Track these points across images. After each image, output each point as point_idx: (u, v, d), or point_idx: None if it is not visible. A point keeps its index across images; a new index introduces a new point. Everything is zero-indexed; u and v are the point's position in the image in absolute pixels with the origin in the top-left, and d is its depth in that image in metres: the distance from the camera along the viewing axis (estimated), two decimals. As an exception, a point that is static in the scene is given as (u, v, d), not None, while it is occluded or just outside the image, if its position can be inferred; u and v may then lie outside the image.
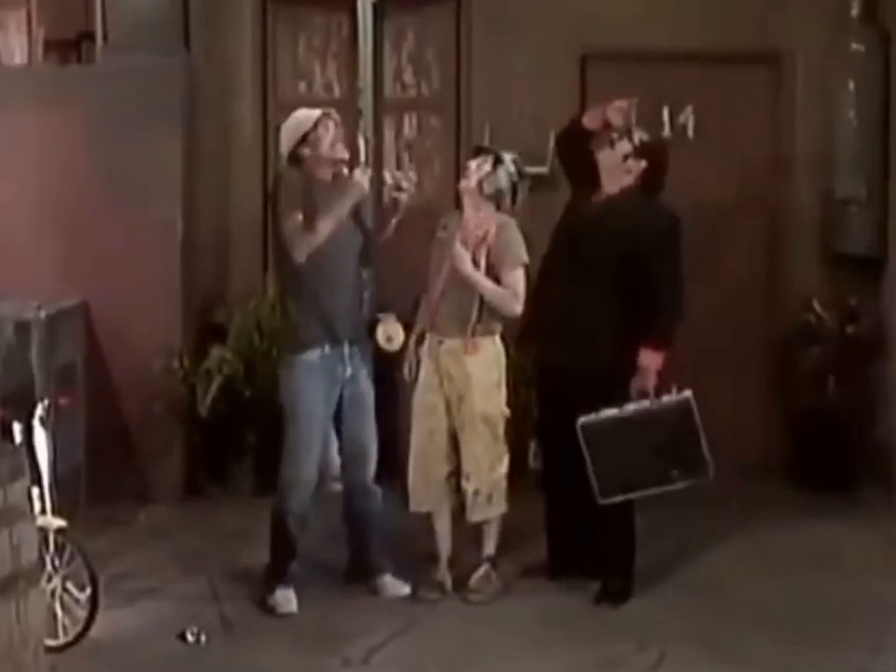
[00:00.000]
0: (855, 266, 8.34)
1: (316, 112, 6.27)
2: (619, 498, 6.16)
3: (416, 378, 6.45)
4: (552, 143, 8.02)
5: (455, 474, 6.42)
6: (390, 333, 6.52)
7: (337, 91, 8.63)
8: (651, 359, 6.17)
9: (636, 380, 6.16)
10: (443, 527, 6.47)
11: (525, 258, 6.35)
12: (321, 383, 6.18)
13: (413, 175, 6.31)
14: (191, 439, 7.93)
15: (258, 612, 6.19)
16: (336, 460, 6.56)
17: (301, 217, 6.06)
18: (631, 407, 6.14)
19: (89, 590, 5.62)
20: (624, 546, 6.37)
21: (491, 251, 6.29)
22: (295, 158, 6.25)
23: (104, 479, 7.56)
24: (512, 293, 6.30)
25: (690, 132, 8.49)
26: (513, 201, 6.38)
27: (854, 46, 8.22)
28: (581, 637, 5.95)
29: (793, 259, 8.51)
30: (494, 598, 6.36)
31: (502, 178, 6.33)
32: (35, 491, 5.40)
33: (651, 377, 6.17)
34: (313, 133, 6.19)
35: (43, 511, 5.55)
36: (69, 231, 7.70)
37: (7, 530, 4.68)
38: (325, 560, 6.60)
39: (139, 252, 7.70)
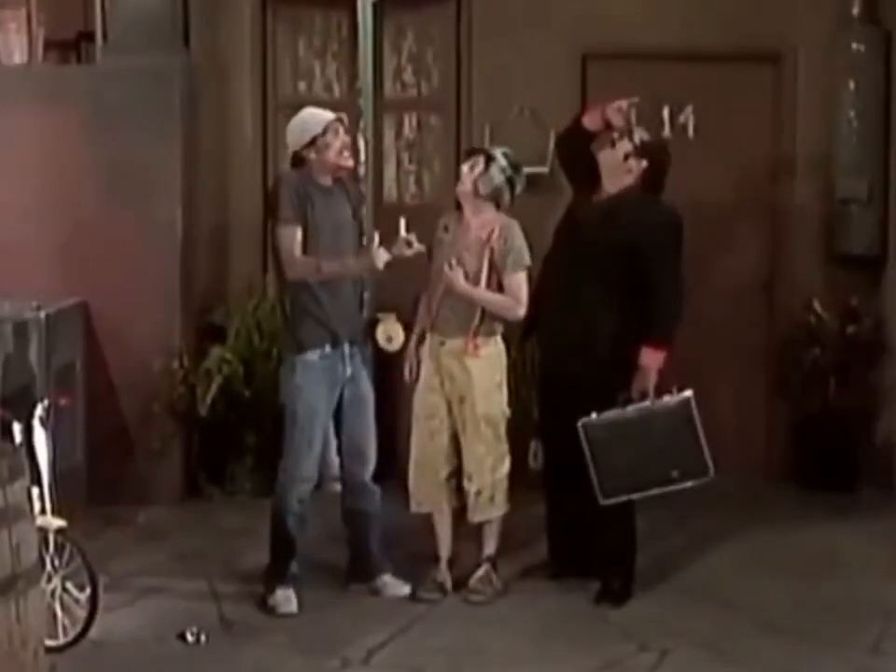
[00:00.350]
0: (856, 266, 8.34)
1: (327, 116, 6.23)
2: (621, 499, 6.16)
3: (417, 379, 6.44)
4: (552, 143, 8.04)
5: (456, 475, 6.41)
6: (390, 333, 6.51)
7: (337, 91, 8.63)
8: (651, 359, 6.16)
9: (636, 380, 6.16)
10: (444, 528, 6.47)
11: (527, 260, 6.34)
12: (321, 383, 6.18)
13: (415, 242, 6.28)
14: (191, 439, 7.93)
15: (258, 612, 6.19)
16: (335, 460, 6.56)
17: (300, 232, 6.07)
18: (632, 407, 6.14)
19: (89, 590, 5.62)
20: (625, 546, 6.37)
21: (494, 253, 6.28)
22: (299, 159, 6.23)
23: (104, 479, 7.56)
24: (514, 299, 6.29)
25: (690, 131, 8.48)
26: (512, 195, 6.37)
27: (855, 45, 8.22)
28: (582, 638, 5.95)
29: (794, 260, 8.50)
30: (494, 599, 6.35)
31: (496, 176, 6.32)
32: (35, 491, 5.40)
33: (652, 377, 6.17)
34: (321, 139, 6.16)
35: (43, 511, 5.55)
36: (69, 231, 7.69)
37: (7, 530, 4.67)
38: (325, 560, 6.60)
39: (139, 252, 7.70)
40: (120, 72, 7.70)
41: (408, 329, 6.58)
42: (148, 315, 7.71)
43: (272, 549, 6.31)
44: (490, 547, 6.44)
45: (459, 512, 6.46)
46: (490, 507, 6.37)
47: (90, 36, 8.14)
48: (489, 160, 6.33)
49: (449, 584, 6.41)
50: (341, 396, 6.27)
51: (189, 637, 5.85)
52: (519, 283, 6.30)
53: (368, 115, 8.13)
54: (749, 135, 8.46)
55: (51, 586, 5.56)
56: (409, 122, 8.67)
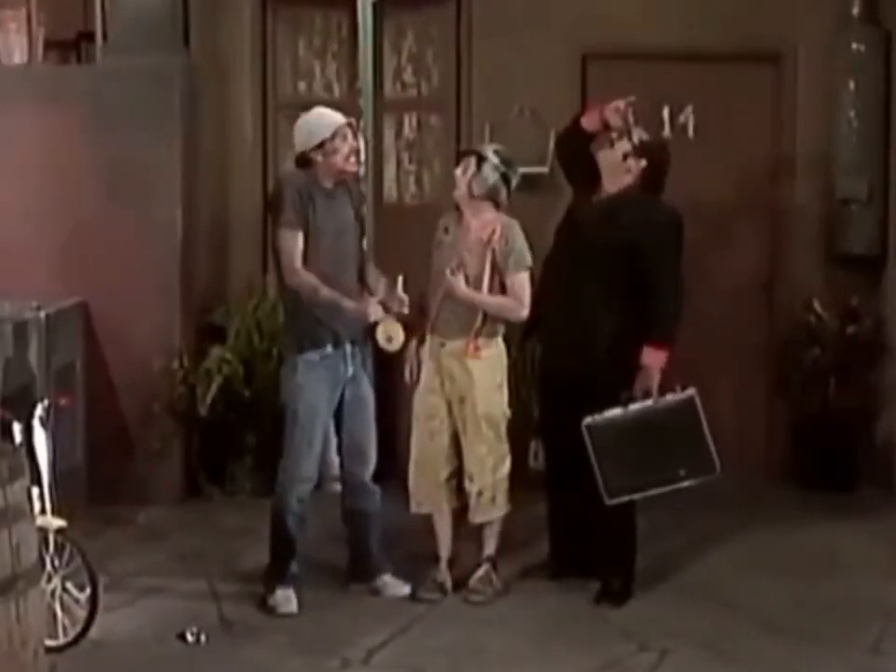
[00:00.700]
0: (856, 266, 8.34)
1: (337, 119, 6.21)
2: (626, 499, 6.16)
3: (417, 381, 6.44)
4: (552, 143, 8.04)
5: (456, 475, 6.41)
6: (390, 333, 6.50)
7: (337, 91, 8.63)
8: (653, 358, 6.16)
9: (639, 379, 6.16)
10: (444, 528, 6.47)
11: (529, 260, 6.34)
12: (323, 382, 6.18)
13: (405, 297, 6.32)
14: (191, 439, 7.93)
15: (258, 612, 6.19)
16: (336, 459, 6.56)
17: (301, 236, 6.08)
18: (636, 406, 6.14)
19: (88, 590, 5.62)
20: (625, 546, 6.37)
21: (496, 254, 6.28)
22: (304, 160, 6.23)
23: (104, 479, 7.56)
24: (516, 300, 6.29)
25: (690, 131, 8.48)
26: (508, 191, 6.37)
27: (855, 45, 8.22)
28: (582, 638, 5.95)
29: (794, 260, 8.50)
30: (494, 599, 6.35)
31: (489, 175, 6.31)
32: (35, 491, 5.39)
33: (655, 376, 6.16)
34: (329, 143, 6.14)
35: (43, 510, 5.55)
36: (69, 231, 7.69)
37: (7, 530, 4.67)
38: (325, 560, 6.60)
39: (139, 252, 7.69)
40: (120, 72, 7.70)
41: (408, 329, 6.57)
42: (148, 315, 7.71)
43: (272, 549, 6.31)
44: (490, 547, 6.44)
45: (459, 513, 6.46)
46: (491, 507, 6.37)
47: (90, 36, 8.14)
48: (481, 160, 6.33)
49: (449, 584, 6.41)
50: (342, 395, 6.27)
51: (189, 637, 5.85)
52: (521, 283, 6.30)
53: (368, 115, 8.12)
54: (749, 135, 8.46)
55: (51, 586, 5.56)
56: (409, 122, 8.67)
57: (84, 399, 7.60)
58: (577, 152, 6.51)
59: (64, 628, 5.62)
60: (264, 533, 6.37)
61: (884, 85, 8.24)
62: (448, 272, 6.26)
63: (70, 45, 8.47)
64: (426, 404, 6.41)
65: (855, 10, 8.25)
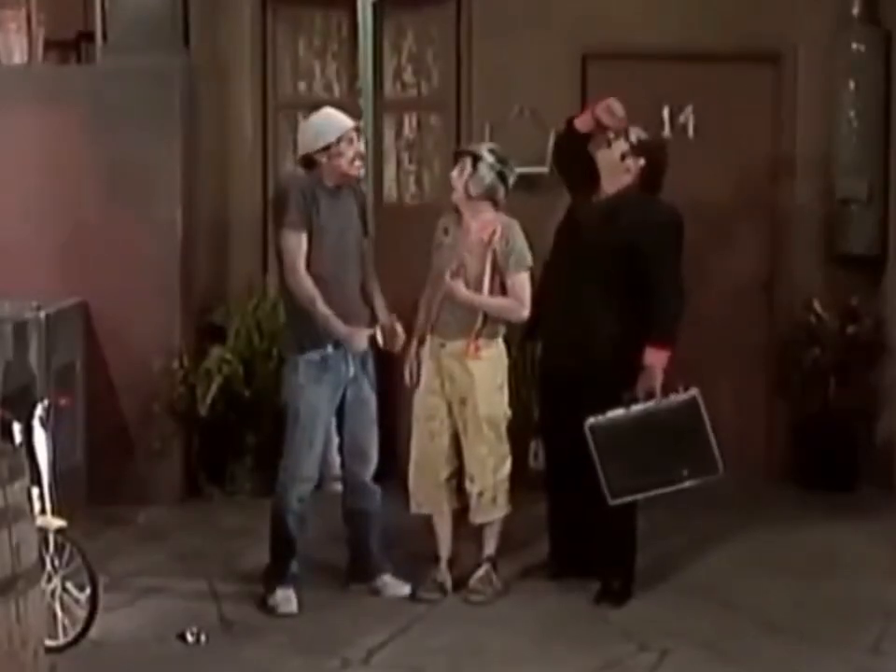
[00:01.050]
0: (856, 266, 8.34)
1: (344, 124, 6.22)
2: (629, 499, 6.16)
3: (417, 383, 6.44)
4: (551, 143, 8.03)
5: (456, 475, 6.41)
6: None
7: (337, 91, 8.63)
8: (655, 358, 6.16)
9: (642, 379, 6.15)
10: (444, 529, 6.47)
11: (529, 261, 6.34)
12: (324, 382, 6.18)
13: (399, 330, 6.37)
14: (191, 439, 7.93)
15: (258, 612, 6.19)
16: (336, 459, 6.56)
17: (305, 237, 6.08)
18: (638, 407, 6.13)
19: (88, 590, 5.62)
20: (625, 546, 6.36)
21: (496, 255, 6.28)
22: (309, 161, 6.24)
23: (104, 479, 7.56)
24: (517, 300, 6.29)
25: (690, 131, 8.48)
26: (506, 189, 6.36)
27: (855, 45, 8.22)
28: (582, 638, 5.95)
29: (794, 260, 8.50)
30: (494, 599, 6.35)
31: (485, 175, 6.30)
32: (35, 491, 5.39)
33: (658, 376, 6.16)
34: (335, 146, 6.15)
35: (43, 511, 5.55)
36: (69, 231, 7.69)
37: (7, 530, 4.67)
38: (325, 560, 6.60)
39: (139, 252, 7.69)
40: (120, 72, 7.70)
41: (408, 329, 6.57)
42: (148, 315, 7.70)
43: (272, 548, 6.31)
44: (490, 547, 6.44)
45: (459, 513, 6.46)
46: (492, 508, 6.37)
47: (90, 36, 8.14)
48: (476, 160, 6.32)
49: (449, 584, 6.40)
50: (343, 395, 6.28)
51: (189, 637, 5.85)
52: (522, 283, 6.30)
53: (368, 115, 8.13)
54: (749, 135, 8.46)
55: (51, 586, 5.56)
56: (409, 122, 8.67)
57: (84, 399, 7.60)
58: (574, 155, 6.50)
59: (64, 628, 5.62)
60: (264, 533, 6.37)
61: (884, 85, 8.24)
62: (447, 275, 6.26)
63: (70, 45, 8.47)
64: (426, 405, 6.40)
65: (855, 10, 8.25)
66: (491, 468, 6.34)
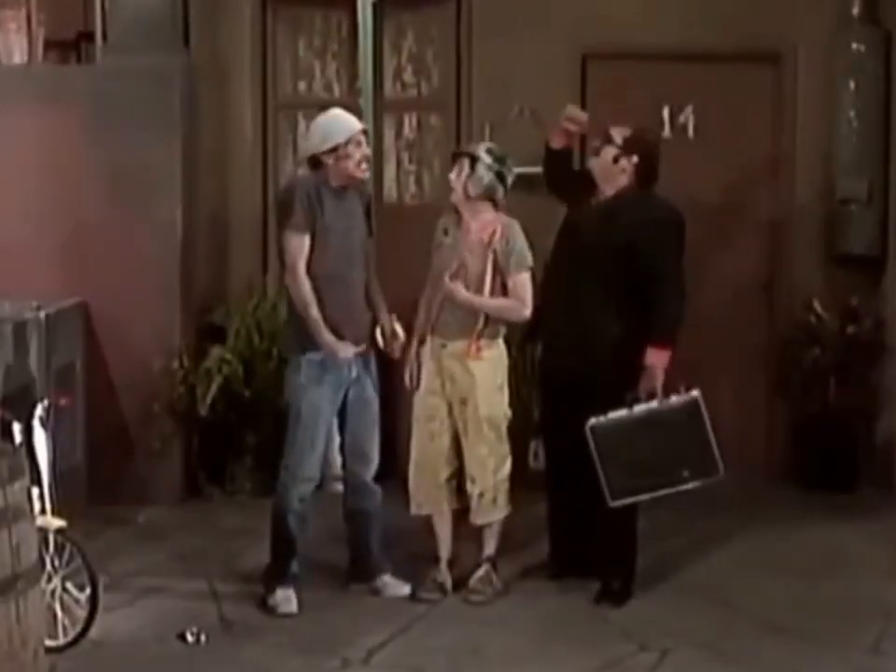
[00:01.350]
0: (856, 266, 8.34)
1: (352, 126, 6.23)
2: (629, 501, 6.15)
3: (418, 385, 6.44)
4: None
5: (456, 476, 6.41)
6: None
7: (337, 91, 8.63)
8: (656, 358, 6.15)
9: (643, 380, 6.14)
10: (444, 529, 6.47)
11: (529, 260, 6.33)
12: (326, 383, 6.18)
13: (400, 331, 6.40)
14: (191, 439, 7.93)
15: (258, 612, 6.19)
16: (338, 459, 6.56)
17: (307, 240, 6.10)
18: (639, 408, 6.13)
19: (88, 590, 5.62)
20: (626, 546, 6.36)
21: (497, 255, 6.28)
22: (315, 161, 6.24)
23: (104, 479, 7.56)
24: (518, 300, 6.29)
25: (690, 131, 8.48)
26: (504, 188, 6.36)
27: (855, 45, 8.22)
28: (582, 638, 5.95)
29: (794, 260, 8.50)
30: (494, 599, 6.35)
31: (483, 175, 6.30)
32: (35, 491, 5.39)
33: (659, 376, 6.15)
34: (343, 149, 6.16)
35: (43, 510, 5.55)
36: (69, 231, 7.69)
37: (7, 530, 4.67)
38: (325, 560, 6.60)
39: (139, 252, 7.69)
40: (120, 72, 7.70)
41: (408, 330, 6.57)
42: (148, 315, 7.70)
43: (272, 548, 6.31)
44: (490, 547, 6.44)
45: (459, 513, 6.46)
46: (493, 509, 6.37)
47: (90, 36, 8.14)
48: (473, 160, 6.32)
49: (449, 584, 6.40)
50: (345, 396, 6.28)
51: (189, 637, 5.85)
52: (523, 283, 6.30)
53: (368, 115, 8.12)
54: (749, 135, 8.46)
55: (51, 586, 5.56)
56: (409, 122, 8.67)
57: (84, 399, 7.60)
58: (561, 173, 6.54)
59: (64, 628, 5.62)
60: (264, 533, 6.37)
61: (884, 85, 8.24)
62: (446, 277, 6.26)
63: (70, 45, 8.47)
64: (426, 405, 6.40)
65: (855, 10, 8.25)
66: (491, 468, 6.34)
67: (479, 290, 6.29)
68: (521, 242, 6.33)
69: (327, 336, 6.10)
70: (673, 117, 8.46)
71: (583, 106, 8.17)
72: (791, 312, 8.40)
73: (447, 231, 6.42)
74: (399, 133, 8.64)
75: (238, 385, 7.77)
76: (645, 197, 6.34)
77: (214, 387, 7.71)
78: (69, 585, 5.63)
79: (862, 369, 8.23)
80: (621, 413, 6.12)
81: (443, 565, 6.46)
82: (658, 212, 6.32)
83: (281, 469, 6.28)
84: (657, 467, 6.13)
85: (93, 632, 5.65)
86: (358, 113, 7.91)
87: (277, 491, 6.29)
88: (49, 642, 5.30)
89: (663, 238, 6.25)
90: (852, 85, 8.21)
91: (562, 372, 6.38)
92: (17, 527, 4.72)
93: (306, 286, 6.11)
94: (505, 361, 6.42)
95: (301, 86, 8.64)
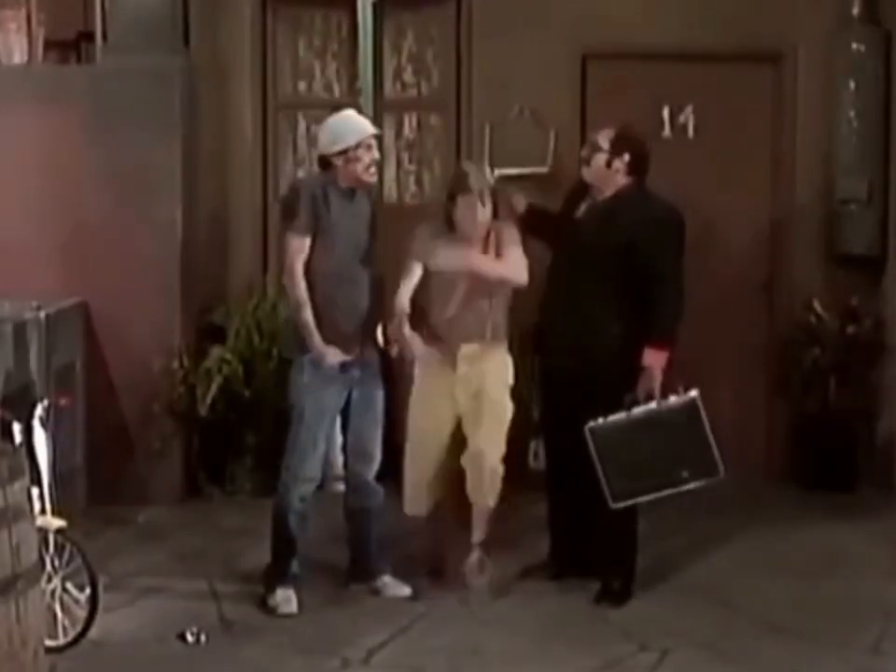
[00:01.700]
0: (856, 266, 8.34)
1: (363, 129, 6.24)
2: (630, 502, 6.15)
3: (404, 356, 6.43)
4: (552, 143, 8.06)
5: (452, 481, 6.37)
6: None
7: (337, 91, 8.63)
8: (654, 359, 6.15)
9: (642, 381, 6.14)
10: (440, 531, 6.46)
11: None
12: (330, 383, 6.17)
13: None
14: (191, 439, 7.93)
15: (258, 612, 6.19)
16: (339, 459, 6.56)
17: (308, 243, 6.11)
18: (638, 409, 6.13)
19: (88, 590, 5.62)
20: (626, 546, 6.36)
21: (495, 243, 6.32)
22: (325, 162, 6.25)
23: (103, 479, 7.56)
24: (516, 265, 6.29)
25: (690, 131, 8.48)
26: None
27: (855, 45, 8.22)
28: (582, 638, 5.95)
29: (794, 260, 8.50)
30: (493, 584, 6.31)
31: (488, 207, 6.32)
32: (35, 491, 5.40)
33: (657, 377, 6.15)
34: (353, 151, 6.17)
35: (43, 511, 5.55)
36: (69, 231, 7.69)
37: (7, 530, 4.68)
38: (325, 560, 6.60)
39: (139, 252, 7.69)
40: (120, 72, 7.70)
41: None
42: (148, 315, 7.70)
43: (273, 548, 6.31)
44: (479, 534, 6.40)
45: (455, 513, 6.44)
46: (494, 490, 6.32)
47: (90, 36, 8.14)
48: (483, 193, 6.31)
49: (450, 585, 6.40)
50: (349, 395, 6.28)
51: (189, 637, 5.85)
52: (518, 254, 6.31)
53: (368, 115, 8.10)
54: (749, 135, 8.46)
55: (51, 586, 5.56)
56: (409, 122, 8.67)
57: (84, 399, 7.60)
58: (541, 226, 6.55)
59: (64, 628, 5.62)
60: (264, 533, 6.37)
61: (884, 85, 8.24)
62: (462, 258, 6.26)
63: (70, 45, 8.48)
64: (429, 414, 6.37)
65: (855, 10, 8.25)
66: (497, 455, 6.30)
67: (488, 295, 6.30)
68: (512, 231, 6.34)
69: (316, 340, 6.11)
70: (673, 117, 8.46)
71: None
72: (791, 312, 8.40)
73: (439, 239, 6.39)
74: (399, 133, 8.64)
75: (238, 385, 7.77)
76: (645, 197, 6.34)
77: (214, 387, 7.71)
78: (69, 585, 5.63)
79: (862, 369, 8.23)
80: (619, 414, 6.11)
81: (443, 566, 6.44)
82: (658, 212, 6.32)
83: (282, 469, 6.28)
84: (657, 468, 6.13)
85: (93, 632, 5.65)
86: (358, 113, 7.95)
87: (278, 490, 6.29)
88: (49, 642, 5.30)
89: (662, 238, 6.25)
90: (852, 85, 8.21)
91: (562, 372, 6.38)
92: (17, 527, 4.72)
93: (301, 287, 6.12)
94: (511, 368, 6.44)
95: (301, 86, 8.64)
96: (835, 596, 6.44)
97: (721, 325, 8.31)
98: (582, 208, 6.43)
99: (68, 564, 5.62)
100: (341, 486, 6.60)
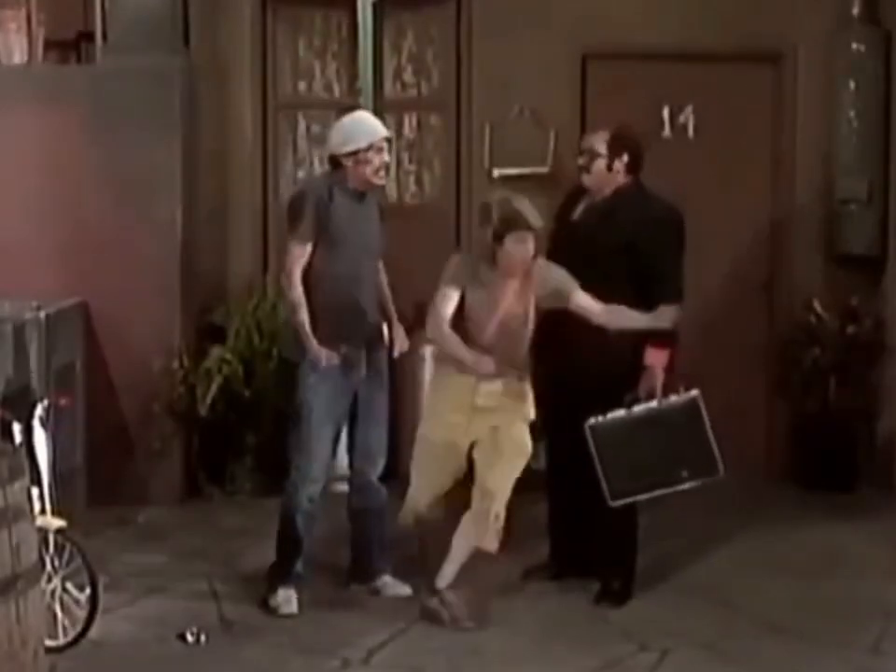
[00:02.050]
0: (856, 266, 8.35)
1: (375, 132, 6.21)
2: (629, 500, 6.14)
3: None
4: (552, 142, 8.07)
5: (457, 498, 6.24)
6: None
7: (337, 91, 8.64)
8: (655, 358, 6.15)
9: (643, 380, 6.14)
10: (443, 543, 6.40)
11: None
12: (336, 383, 6.17)
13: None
14: (191, 439, 7.93)
15: (258, 612, 6.18)
16: (343, 459, 6.56)
17: (310, 248, 6.11)
18: (639, 408, 6.13)
19: (88, 590, 5.61)
20: (626, 546, 6.36)
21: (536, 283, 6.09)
22: (335, 161, 6.25)
23: (103, 479, 7.56)
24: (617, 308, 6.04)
25: (690, 131, 8.49)
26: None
27: (855, 45, 8.22)
28: (582, 638, 5.95)
29: (794, 260, 8.50)
30: (470, 611, 6.04)
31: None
32: (35, 491, 5.40)
33: (658, 376, 6.15)
34: (363, 153, 6.15)
35: (43, 511, 5.55)
36: (69, 231, 7.69)
37: (7, 530, 4.67)
38: (326, 560, 6.60)
39: (139, 252, 7.69)
40: (120, 72, 7.70)
41: (408, 331, 6.57)
42: (148, 315, 7.70)
43: (278, 547, 6.30)
44: (450, 575, 6.06)
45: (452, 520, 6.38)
46: (494, 534, 6.06)
47: (90, 36, 8.14)
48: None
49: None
50: (355, 396, 6.28)
51: (189, 637, 5.84)
52: (587, 300, 6.05)
53: (370, 116, 8.13)
54: (749, 135, 8.46)
55: (51, 586, 5.55)
56: (409, 122, 8.67)
57: (84, 399, 7.60)
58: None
59: (64, 628, 5.61)
60: (264, 533, 6.38)
61: (884, 85, 8.24)
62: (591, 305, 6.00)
63: (70, 45, 8.47)
64: (445, 440, 6.11)
65: (855, 10, 8.26)
66: (505, 498, 6.07)
67: (524, 326, 6.11)
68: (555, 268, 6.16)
69: (311, 342, 6.11)
70: (673, 117, 8.47)
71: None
72: (791, 312, 8.40)
73: (477, 272, 6.10)
74: (399, 133, 8.63)
75: (238, 385, 7.77)
76: (645, 196, 6.34)
77: (214, 387, 7.71)
78: (69, 585, 5.63)
79: (862, 369, 8.23)
80: (620, 413, 6.11)
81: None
82: (658, 211, 6.32)
83: (291, 469, 6.26)
84: (657, 467, 6.13)
85: (93, 632, 5.65)
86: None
87: (287, 490, 6.27)
88: (49, 642, 5.30)
89: (662, 238, 6.25)
90: (852, 85, 8.21)
91: (562, 373, 6.37)
92: (17, 527, 4.72)
93: (298, 290, 6.12)
94: (531, 400, 6.18)
95: (301, 86, 8.65)
96: (835, 596, 6.44)
97: (721, 325, 8.31)
98: (581, 207, 6.44)
99: (68, 564, 5.62)
100: (343, 487, 6.59)
